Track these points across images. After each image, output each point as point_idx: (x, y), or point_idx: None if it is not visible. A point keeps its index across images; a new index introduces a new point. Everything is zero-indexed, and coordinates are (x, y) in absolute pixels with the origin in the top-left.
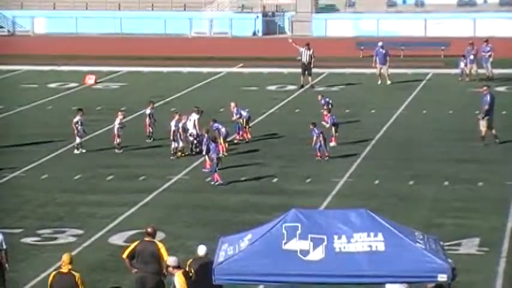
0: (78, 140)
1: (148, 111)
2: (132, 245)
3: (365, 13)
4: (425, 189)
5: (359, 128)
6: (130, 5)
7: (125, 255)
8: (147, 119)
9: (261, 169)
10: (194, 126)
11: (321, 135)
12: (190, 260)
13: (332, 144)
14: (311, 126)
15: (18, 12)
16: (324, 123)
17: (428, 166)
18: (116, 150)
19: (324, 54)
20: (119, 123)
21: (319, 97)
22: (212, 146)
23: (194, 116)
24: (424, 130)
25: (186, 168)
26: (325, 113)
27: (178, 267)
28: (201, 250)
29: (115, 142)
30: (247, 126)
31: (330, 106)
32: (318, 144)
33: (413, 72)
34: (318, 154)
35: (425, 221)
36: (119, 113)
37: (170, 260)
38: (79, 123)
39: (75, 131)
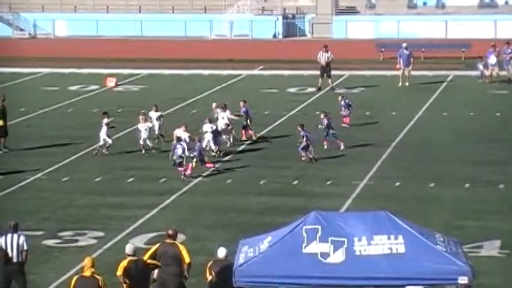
0: (109, 141)
1: (152, 114)
2: (153, 247)
3: (385, 15)
4: (446, 191)
5: (379, 130)
6: (150, 7)
7: (146, 257)
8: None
9: (281, 171)
10: (226, 123)
11: (305, 137)
12: (211, 262)
13: (342, 147)
14: (299, 128)
15: (39, 15)
16: (344, 125)
17: (448, 168)
18: (143, 151)
19: (344, 56)
20: (146, 126)
21: (340, 98)
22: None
23: (222, 114)
24: (445, 132)
25: (206, 171)
26: (344, 113)
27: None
28: (221, 252)
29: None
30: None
31: (350, 108)
32: (303, 145)
33: (434, 74)
34: (303, 155)
35: (446, 223)
36: (141, 116)
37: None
38: (109, 126)
39: (105, 133)
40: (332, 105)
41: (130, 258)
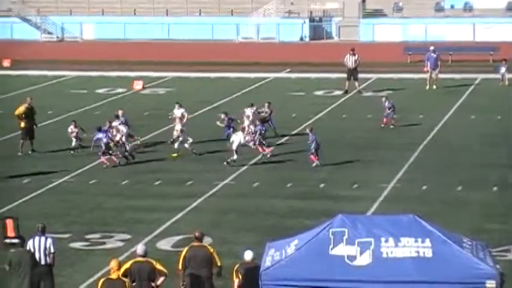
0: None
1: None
2: (183, 253)
3: (413, 18)
4: (473, 194)
5: (407, 133)
6: (177, 10)
7: (180, 267)
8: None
9: (308, 174)
10: (249, 120)
11: (314, 141)
12: (237, 265)
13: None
14: (307, 130)
15: (67, 18)
16: (385, 125)
17: (476, 171)
18: (174, 155)
19: (372, 59)
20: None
21: (384, 99)
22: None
23: (248, 111)
24: (472, 135)
25: (232, 174)
26: (386, 114)
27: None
28: (248, 255)
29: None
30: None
31: (393, 109)
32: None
33: (461, 77)
34: (313, 158)
35: (474, 226)
36: (177, 119)
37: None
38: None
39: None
40: (359, 109)
41: (136, 259)
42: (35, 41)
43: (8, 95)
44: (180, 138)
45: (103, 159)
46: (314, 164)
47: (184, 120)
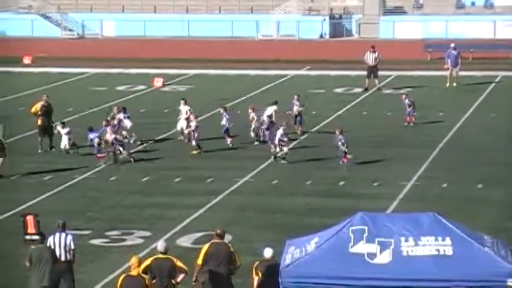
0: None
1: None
2: (204, 249)
3: (433, 15)
4: (493, 192)
5: (427, 130)
6: (198, 8)
7: (200, 262)
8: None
9: (328, 172)
10: (269, 116)
11: (345, 142)
12: (257, 262)
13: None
14: (337, 132)
15: (87, 15)
16: (408, 123)
17: (496, 169)
18: (194, 152)
19: (392, 56)
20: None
21: (403, 97)
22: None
23: (271, 109)
24: (493, 133)
25: (252, 171)
26: (407, 112)
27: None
28: (268, 252)
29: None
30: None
31: (413, 106)
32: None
33: (482, 75)
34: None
35: (494, 224)
36: (192, 115)
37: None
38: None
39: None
40: (379, 106)
41: (157, 256)
42: (56, 38)
43: (28, 92)
44: (196, 135)
45: (100, 155)
46: (345, 163)
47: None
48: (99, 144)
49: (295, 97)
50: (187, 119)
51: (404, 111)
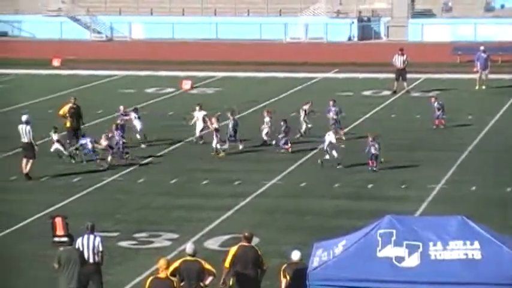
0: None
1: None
2: (232, 251)
3: (462, 18)
4: None
5: (455, 133)
6: (226, 10)
7: (227, 265)
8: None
9: (356, 175)
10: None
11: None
12: (285, 265)
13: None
14: (370, 138)
15: (116, 18)
16: (437, 126)
17: None
18: (222, 153)
19: (420, 59)
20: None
21: (433, 100)
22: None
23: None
24: None
25: (280, 174)
26: (437, 115)
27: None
28: (295, 255)
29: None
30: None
31: (443, 109)
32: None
33: (511, 78)
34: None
35: None
36: (213, 118)
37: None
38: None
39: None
40: (407, 109)
41: (185, 258)
42: (85, 40)
43: (57, 94)
44: (219, 136)
45: (98, 160)
46: (373, 168)
47: (207, 122)
48: (93, 148)
49: (331, 102)
50: (206, 123)
51: (433, 114)
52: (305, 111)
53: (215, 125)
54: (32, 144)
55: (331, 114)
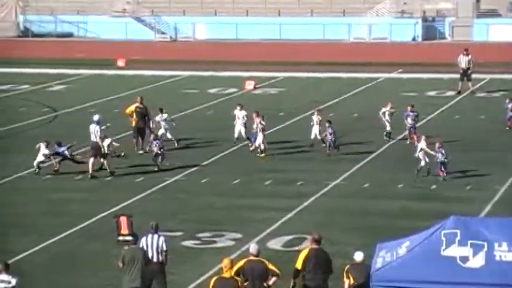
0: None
1: (157, 118)
2: (304, 253)
3: None
4: None
5: None
6: (289, 10)
7: (300, 267)
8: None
9: (419, 175)
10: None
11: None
12: (348, 266)
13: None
14: (437, 145)
15: (180, 18)
16: (510, 127)
17: None
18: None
19: (486, 59)
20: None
21: (507, 101)
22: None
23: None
24: None
25: (343, 174)
26: (508, 115)
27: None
28: (358, 256)
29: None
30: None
31: None
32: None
33: None
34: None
35: None
36: (258, 118)
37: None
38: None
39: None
40: (472, 110)
41: (249, 258)
42: (149, 41)
43: (122, 95)
44: (265, 135)
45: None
46: (444, 178)
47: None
48: (71, 155)
49: (409, 108)
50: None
51: (504, 115)
52: (384, 113)
53: (262, 123)
54: (99, 146)
55: (409, 120)
